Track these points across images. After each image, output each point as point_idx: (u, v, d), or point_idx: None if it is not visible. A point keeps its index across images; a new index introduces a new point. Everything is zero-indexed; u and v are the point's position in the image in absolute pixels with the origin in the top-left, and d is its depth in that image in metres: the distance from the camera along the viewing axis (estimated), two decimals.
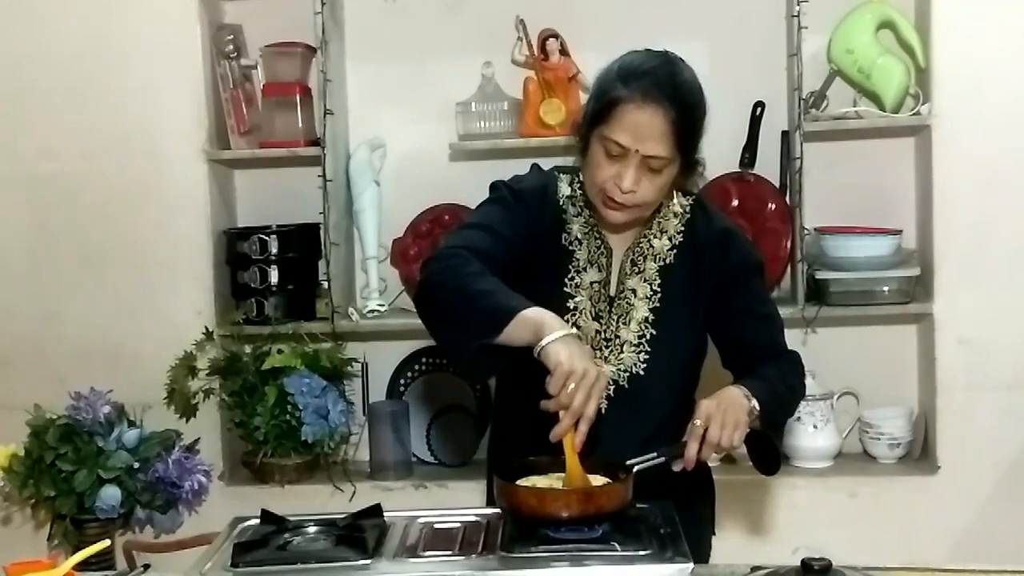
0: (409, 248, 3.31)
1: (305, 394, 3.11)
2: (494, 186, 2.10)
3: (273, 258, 3.25)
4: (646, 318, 2.03)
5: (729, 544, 2.76)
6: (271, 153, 3.28)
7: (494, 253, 1.95)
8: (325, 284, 3.24)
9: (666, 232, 2.07)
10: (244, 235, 3.28)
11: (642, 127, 1.90)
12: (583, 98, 3.22)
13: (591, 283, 2.05)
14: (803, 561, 1.69)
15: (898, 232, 3.16)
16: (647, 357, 2.02)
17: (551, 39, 3.20)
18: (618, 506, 1.82)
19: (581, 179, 2.07)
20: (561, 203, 2.08)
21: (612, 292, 2.05)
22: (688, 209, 2.09)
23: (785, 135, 3.21)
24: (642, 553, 1.74)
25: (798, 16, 3.03)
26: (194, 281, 3.27)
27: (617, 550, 1.76)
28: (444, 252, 1.95)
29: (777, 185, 3.24)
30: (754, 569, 1.82)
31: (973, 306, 3.07)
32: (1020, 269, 3.07)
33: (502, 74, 3.25)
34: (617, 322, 2.03)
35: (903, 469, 3.18)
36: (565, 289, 2.04)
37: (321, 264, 3.29)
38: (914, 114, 3.10)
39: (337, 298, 3.21)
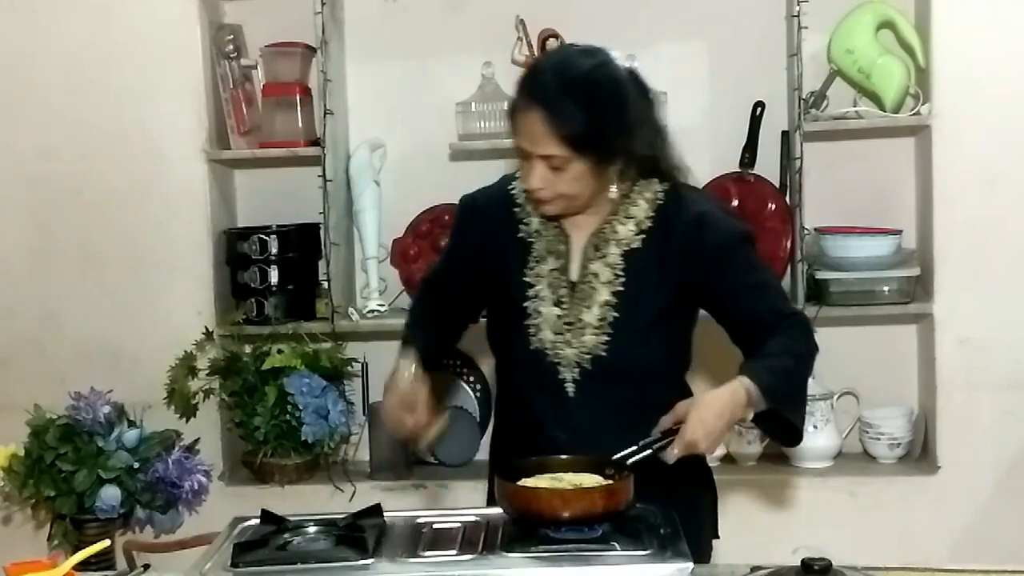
0: (409, 248, 3.31)
1: (305, 394, 3.11)
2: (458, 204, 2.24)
3: (273, 258, 3.25)
4: (607, 301, 2.05)
5: (729, 544, 2.76)
6: (271, 153, 3.28)
7: (442, 297, 2.17)
8: (325, 284, 3.24)
9: (633, 218, 2.08)
10: (244, 235, 3.28)
11: (528, 130, 1.97)
12: None
13: (550, 271, 2.08)
14: (803, 561, 1.70)
15: (898, 232, 3.16)
16: (608, 339, 2.04)
17: (551, 39, 3.19)
18: (622, 506, 1.82)
19: None
20: (519, 199, 2.13)
21: (574, 277, 2.07)
22: (662, 196, 2.09)
23: (785, 135, 3.21)
24: (642, 553, 1.75)
25: (798, 16, 3.03)
26: (194, 281, 3.27)
27: (617, 550, 1.76)
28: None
29: (777, 185, 3.24)
30: (754, 569, 1.83)
31: (973, 306, 3.07)
32: (1020, 269, 3.07)
33: (502, 74, 3.25)
34: (579, 306, 2.06)
35: (903, 469, 3.19)
36: (525, 279, 2.08)
37: (321, 264, 3.29)
38: (914, 114, 3.10)
39: (337, 298, 3.21)
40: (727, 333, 2.10)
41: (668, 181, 2.11)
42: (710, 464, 3.19)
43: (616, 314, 2.04)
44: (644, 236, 2.06)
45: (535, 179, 1.98)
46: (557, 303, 2.06)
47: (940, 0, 3.02)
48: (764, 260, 2.14)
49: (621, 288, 2.05)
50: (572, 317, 2.05)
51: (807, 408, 2.06)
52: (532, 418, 2.07)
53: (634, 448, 1.90)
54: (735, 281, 2.05)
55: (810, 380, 3.20)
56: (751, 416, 1.93)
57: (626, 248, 2.06)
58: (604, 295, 2.05)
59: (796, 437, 2.03)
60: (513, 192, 2.14)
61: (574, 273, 2.07)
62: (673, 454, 1.85)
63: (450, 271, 2.19)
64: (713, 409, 1.87)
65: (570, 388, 2.06)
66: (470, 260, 2.14)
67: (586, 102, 1.95)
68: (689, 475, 1.92)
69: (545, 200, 2.02)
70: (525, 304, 2.07)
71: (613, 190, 2.05)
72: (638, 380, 2.06)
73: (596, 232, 2.08)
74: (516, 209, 2.12)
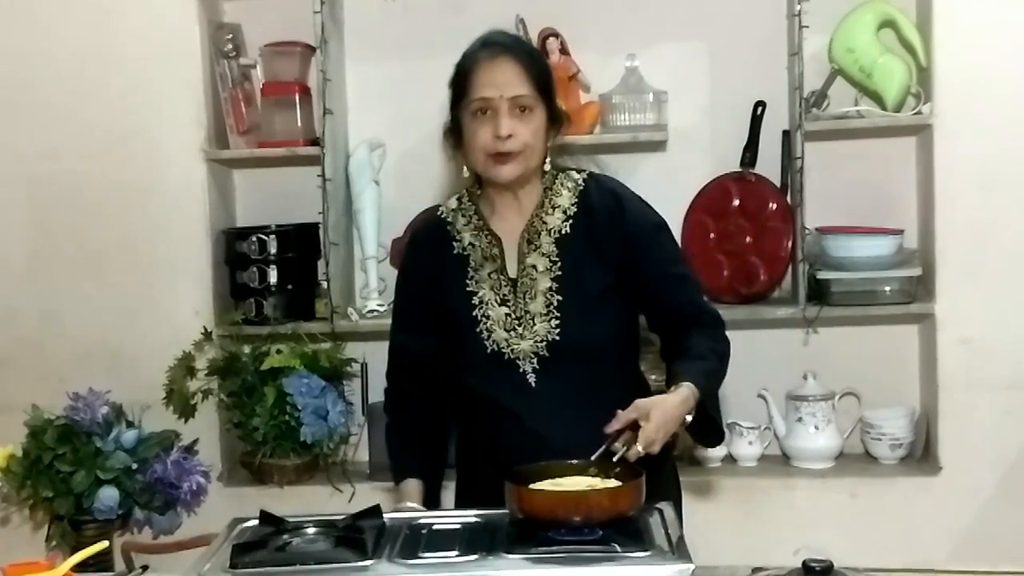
0: None
1: (304, 394, 3.10)
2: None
3: (272, 258, 3.24)
4: (549, 287, 2.15)
5: (730, 545, 2.76)
6: (270, 153, 3.28)
7: (412, 342, 2.29)
8: (324, 284, 3.24)
9: (559, 207, 2.18)
10: (243, 235, 3.28)
11: (498, 76, 2.12)
12: (583, 97, 3.25)
13: (489, 274, 2.17)
14: (804, 562, 1.70)
15: (899, 232, 3.15)
16: (558, 323, 2.13)
17: (551, 38, 3.19)
18: (636, 507, 1.83)
19: (468, 192, 2.25)
20: (449, 219, 2.24)
21: (513, 274, 2.17)
22: (582, 182, 2.21)
23: (786, 135, 3.21)
24: (642, 554, 1.75)
25: (799, 15, 3.03)
26: (193, 281, 3.26)
27: (617, 551, 1.76)
28: (385, 392, 2.41)
29: (778, 185, 3.23)
30: (755, 570, 1.83)
31: (974, 306, 3.06)
32: (1021, 269, 3.06)
33: None
34: (524, 299, 2.15)
35: (904, 469, 3.18)
36: (468, 289, 2.19)
37: (320, 264, 3.28)
38: (915, 113, 3.09)
39: (336, 298, 3.21)
40: (646, 319, 2.22)
41: (583, 171, 2.24)
42: (710, 465, 3.22)
43: (560, 297, 2.14)
44: (571, 221, 2.17)
45: (505, 125, 2.09)
46: (502, 302, 2.16)
47: None
48: (683, 252, 2.27)
49: (559, 272, 2.15)
50: (519, 311, 2.15)
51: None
52: (502, 415, 2.14)
53: (604, 447, 1.94)
54: (658, 268, 2.16)
55: (811, 380, 3.25)
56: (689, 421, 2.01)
57: (557, 235, 2.17)
58: (545, 283, 2.15)
59: (719, 436, 2.14)
60: (442, 215, 2.26)
61: (512, 270, 2.17)
62: (638, 451, 1.91)
63: (414, 330, 2.28)
64: (670, 415, 1.95)
65: (531, 378, 2.14)
66: (424, 301, 2.24)
67: (537, 57, 2.22)
68: (656, 474, 1.95)
69: (511, 152, 2.10)
70: (474, 313, 2.16)
71: (548, 163, 2.18)
72: (593, 357, 2.14)
73: (527, 228, 2.18)
74: (448, 228, 2.23)
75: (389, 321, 3.19)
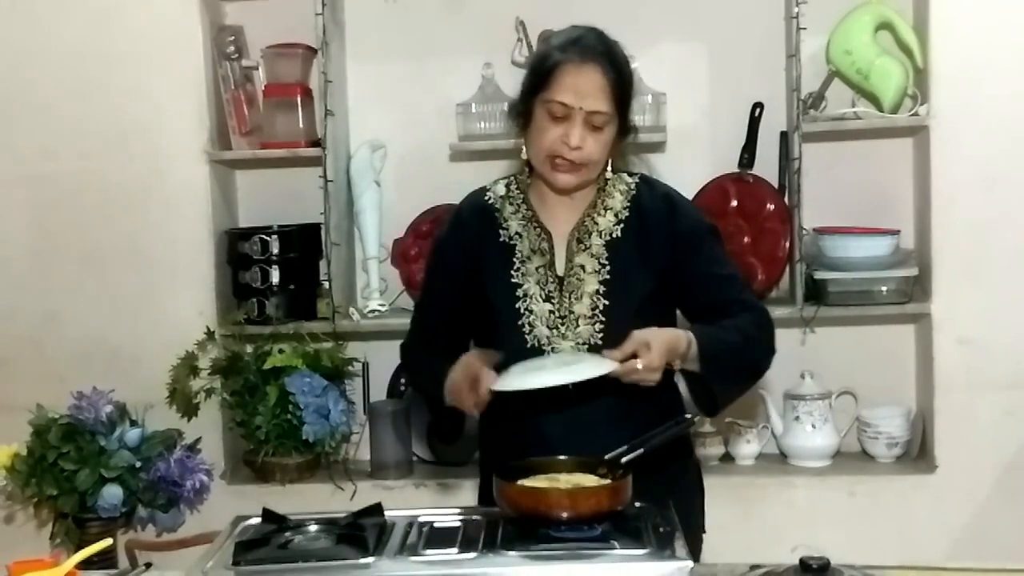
0: (410, 248, 3.32)
1: (306, 393, 3.12)
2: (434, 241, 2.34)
3: (274, 258, 3.26)
4: (597, 290, 2.12)
5: (728, 543, 2.76)
6: (272, 154, 3.29)
7: (434, 320, 2.26)
8: (326, 284, 3.25)
9: (611, 209, 2.17)
10: (245, 235, 3.29)
11: (582, 85, 2.05)
12: None
13: (536, 268, 2.15)
14: (801, 560, 1.71)
15: (896, 232, 3.16)
16: (602, 327, 2.11)
17: None
18: (623, 504, 1.84)
19: (517, 180, 2.21)
20: (497, 205, 2.20)
21: (560, 272, 2.14)
22: (634, 186, 2.19)
23: (784, 136, 3.22)
24: (641, 552, 1.76)
25: (797, 17, 3.04)
26: (195, 281, 3.27)
27: (617, 549, 1.77)
28: (403, 354, 2.37)
29: (776, 185, 3.25)
30: (753, 568, 1.84)
31: (971, 306, 3.07)
32: (1018, 269, 3.07)
33: (502, 75, 3.25)
34: (569, 298, 2.13)
35: (901, 468, 3.19)
36: (513, 280, 2.15)
37: (322, 264, 3.29)
38: (912, 115, 3.10)
39: (338, 298, 3.22)
40: (689, 321, 2.18)
41: (636, 174, 2.22)
42: (709, 464, 3.23)
43: (607, 301, 2.11)
44: (623, 225, 2.15)
45: (576, 136, 2.05)
46: (547, 298, 2.13)
47: (938, 1, 3.03)
48: (732, 259, 2.25)
49: (608, 276, 2.12)
50: (564, 310, 2.12)
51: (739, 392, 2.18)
52: (529, 413, 2.09)
53: (624, 448, 1.93)
54: (706, 269, 2.14)
55: (808, 380, 3.25)
56: (678, 367, 2.01)
57: (608, 238, 2.14)
58: (592, 285, 2.12)
59: (713, 409, 2.12)
60: (490, 200, 2.21)
61: (560, 268, 2.14)
62: (642, 374, 1.93)
63: (438, 310, 2.25)
64: (660, 336, 1.96)
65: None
66: (457, 283, 2.20)
67: (625, 69, 2.12)
68: (679, 474, 1.95)
69: (578, 162, 2.07)
70: (516, 304, 2.13)
71: (609, 171, 2.15)
72: None
73: (577, 226, 2.16)
74: (496, 214, 2.19)
75: (390, 321, 3.25)
